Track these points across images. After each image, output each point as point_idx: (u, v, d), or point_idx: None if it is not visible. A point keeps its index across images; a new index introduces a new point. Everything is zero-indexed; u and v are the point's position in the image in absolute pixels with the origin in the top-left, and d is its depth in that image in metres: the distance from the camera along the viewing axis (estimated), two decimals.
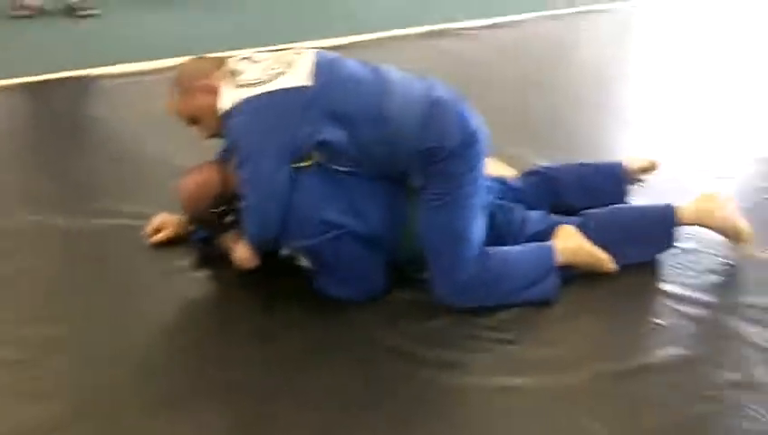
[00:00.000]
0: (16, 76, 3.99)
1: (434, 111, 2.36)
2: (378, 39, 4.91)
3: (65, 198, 2.95)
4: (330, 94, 2.31)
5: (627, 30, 5.72)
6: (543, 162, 3.06)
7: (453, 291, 2.39)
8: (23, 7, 5.03)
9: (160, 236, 2.67)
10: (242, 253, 2.46)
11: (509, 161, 2.95)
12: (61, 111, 3.86)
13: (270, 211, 2.34)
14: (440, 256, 2.39)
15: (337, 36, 4.83)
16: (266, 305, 2.43)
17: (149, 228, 2.69)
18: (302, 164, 2.36)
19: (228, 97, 2.33)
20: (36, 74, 4.02)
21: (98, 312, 2.37)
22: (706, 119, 3.92)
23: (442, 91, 2.44)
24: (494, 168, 2.72)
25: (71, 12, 5.14)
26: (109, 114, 3.68)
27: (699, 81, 4.49)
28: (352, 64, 2.42)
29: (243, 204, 2.37)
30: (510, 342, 2.30)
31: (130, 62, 4.24)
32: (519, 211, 2.63)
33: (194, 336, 2.33)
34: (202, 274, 2.57)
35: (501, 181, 2.74)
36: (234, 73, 2.36)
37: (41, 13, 5.07)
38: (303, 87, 2.30)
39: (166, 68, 4.08)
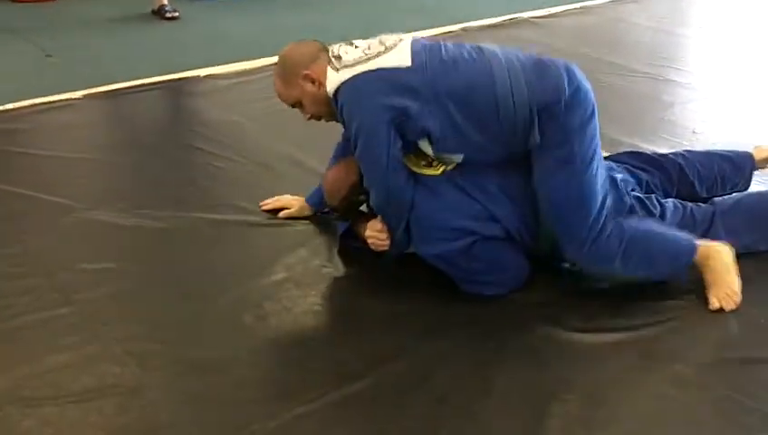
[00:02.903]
0: (131, 78, 4.16)
1: (541, 67, 2.41)
2: (459, 30, 5.08)
3: (202, 197, 3.09)
4: (433, 73, 2.37)
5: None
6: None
7: (580, 249, 2.42)
8: None
9: (285, 213, 2.89)
10: (374, 228, 2.55)
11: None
12: (175, 112, 4.08)
13: (394, 184, 2.42)
14: (563, 217, 2.42)
15: (418, 30, 4.93)
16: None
17: (271, 204, 2.93)
18: (431, 172, 2.49)
19: (332, 81, 2.41)
20: (145, 76, 4.19)
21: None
22: None
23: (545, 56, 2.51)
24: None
25: (155, 15, 5.30)
26: (223, 114, 3.83)
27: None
28: (451, 46, 2.48)
29: (366, 179, 2.49)
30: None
31: (225, 62, 4.39)
32: (656, 202, 2.66)
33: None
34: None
35: (630, 173, 2.76)
36: (337, 59, 2.43)
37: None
38: (404, 67, 2.37)
39: (263, 67, 4.24)
